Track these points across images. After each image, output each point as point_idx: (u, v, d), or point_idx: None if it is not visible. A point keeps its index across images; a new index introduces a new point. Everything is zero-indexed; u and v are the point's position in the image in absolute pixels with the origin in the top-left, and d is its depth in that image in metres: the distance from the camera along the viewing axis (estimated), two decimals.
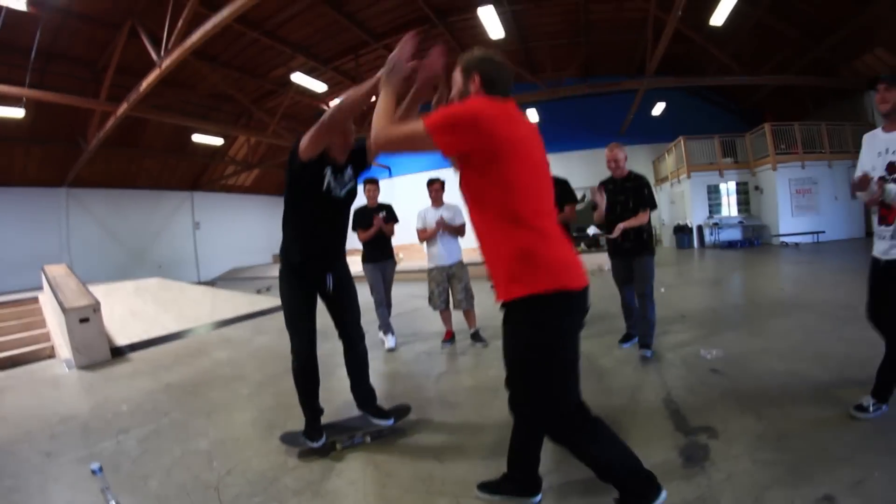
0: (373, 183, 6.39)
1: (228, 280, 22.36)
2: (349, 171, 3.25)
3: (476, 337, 5.96)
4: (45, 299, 9.36)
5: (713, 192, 18.59)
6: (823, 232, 15.77)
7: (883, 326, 3.11)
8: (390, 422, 3.47)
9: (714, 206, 18.63)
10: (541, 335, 1.96)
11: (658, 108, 20.05)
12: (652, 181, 20.87)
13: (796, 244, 15.54)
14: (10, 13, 10.39)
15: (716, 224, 17.81)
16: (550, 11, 15.49)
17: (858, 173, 3.08)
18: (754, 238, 17.39)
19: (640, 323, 5.13)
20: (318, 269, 3.28)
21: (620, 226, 4.86)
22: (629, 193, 5.04)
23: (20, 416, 4.93)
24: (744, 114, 21.13)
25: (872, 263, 3.19)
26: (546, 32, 16.50)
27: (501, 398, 3.74)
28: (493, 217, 2.00)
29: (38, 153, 17.64)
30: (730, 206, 18.64)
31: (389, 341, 6.21)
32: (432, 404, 4.18)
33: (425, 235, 5.89)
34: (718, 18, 12.47)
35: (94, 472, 2.88)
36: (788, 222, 16.10)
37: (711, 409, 3.42)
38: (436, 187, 6.00)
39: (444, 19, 15.13)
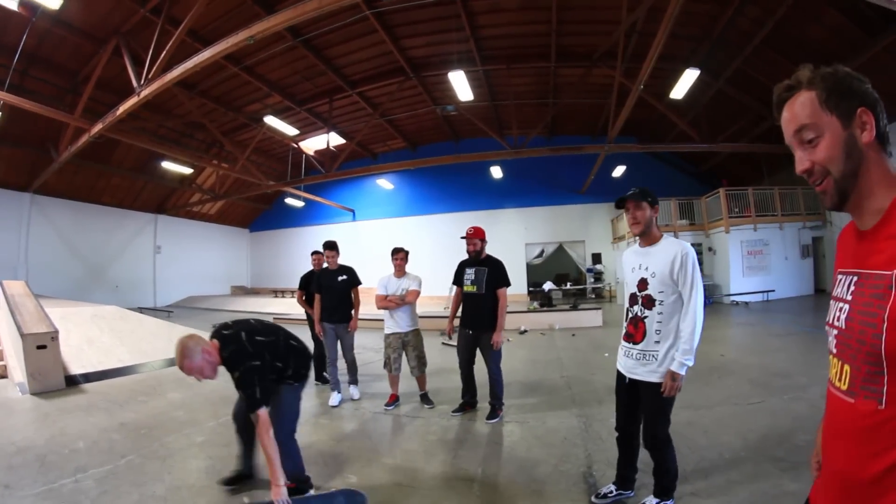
0: (332, 248, 6.64)
1: (185, 308, 22.22)
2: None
3: (425, 399, 6.17)
4: (0, 315, 9.28)
5: None
6: (773, 290, 16.40)
7: (630, 440, 3.29)
8: None
9: None
10: None
11: (619, 171, 20.85)
12: (610, 239, 21.54)
13: (746, 303, 16.10)
14: (1, 9, 10.35)
15: None
16: (522, 73, 16.14)
17: (624, 286, 3.30)
18: (707, 297, 17.78)
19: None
20: None
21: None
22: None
23: None
24: (701, 176, 22.08)
25: (619, 378, 3.29)
26: (515, 93, 17.06)
27: (436, 461, 4.27)
28: None
29: (5, 153, 17.44)
30: None
31: (334, 398, 6.36)
32: (371, 464, 4.35)
33: (383, 304, 6.04)
34: (678, 93, 13.29)
35: None
36: (739, 282, 16.68)
37: None
38: (399, 257, 6.16)
39: (418, 73, 15.70)
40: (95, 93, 13.38)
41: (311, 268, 7.76)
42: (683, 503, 3.25)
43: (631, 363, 3.11)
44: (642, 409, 3.13)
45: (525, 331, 12.38)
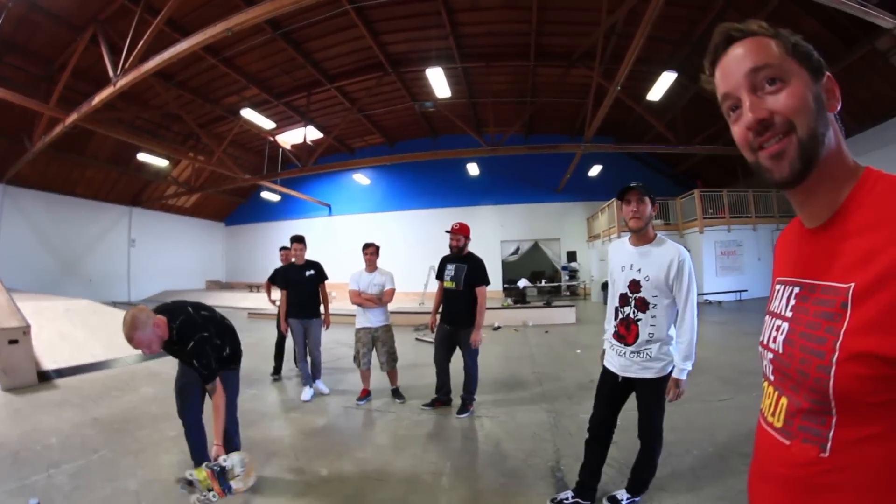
0: (299, 241, 6.65)
1: (159, 302, 21.46)
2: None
3: (396, 394, 6.22)
4: None
5: None
6: (746, 290, 16.60)
7: (602, 443, 3.26)
8: None
9: None
10: None
11: (595, 170, 21.06)
12: (585, 238, 21.69)
13: (719, 302, 16.32)
14: None
15: None
16: (501, 72, 16.24)
17: (610, 282, 3.26)
18: None
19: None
20: None
21: None
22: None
23: None
24: (677, 178, 22.34)
25: (607, 376, 3.20)
26: (493, 91, 17.16)
27: (405, 455, 4.35)
28: None
29: None
30: None
31: (305, 393, 6.39)
32: (341, 458, 4.42)
33: (357, 300, 6.07)
34: (655, 94, 13.50)
35: None
36: (713, 281, 16.86)
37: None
38: (370, 251, 6.18)
39: (397, 69, 15.70)
40: (71, 82, 13.21)
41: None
42: (652, 499, 3.33)
43: (624, 362, 3.05)
44: (640, 404, 3.12)
45: (498, 327, 12.47)
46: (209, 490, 3.31)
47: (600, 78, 13.23)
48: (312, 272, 6.59)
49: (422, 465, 4.19)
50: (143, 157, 19.39)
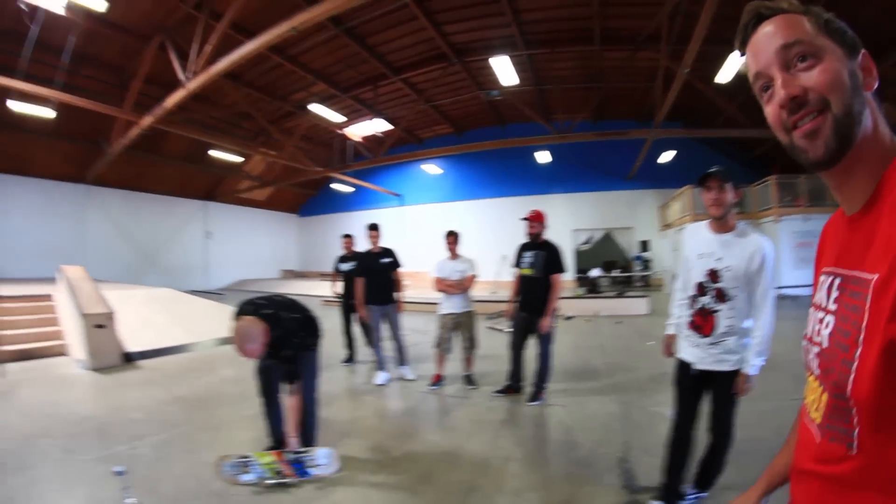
0: (374, 229, 6.80)
1: (235, 291, 22.68)
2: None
3: (469, 380, 6.28)
4: (60, 297, 9.74)
5: None
6: None
7: (688, 443, 3.08)
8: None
9: None
10: None
11: (666, 157, 20.26)
12: (657, 227, 21.05)
13: (794, 297, 15.70)
14: (49, 14, 10.83)
15: None
16: (565, 57, 15.86)
17: (682, 268, 3.08)
18: None
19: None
20: None
21: None
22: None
23: (39, 411, 5.34)
24: (752, 164, 21.21)
25: (682, 369, 3.05)
26: (560, 77, 16.88)
27: (477, 439, 4.40)
28: None
29: (61, 148, 18.22)
30: None
31: (379, 377, 6.53)
32: (412, 440, 4.52)
33: (442, 286, 6.20)
34: (725, 76, 12.93)
35: (117, 472, 3.29)
36: (790, 274, 16.01)
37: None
38: (451, 240, 6.31)
39: (461, 58, 15.59)
40: (143, 87, 13.76)
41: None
42: (717, 496, 3.20)
43: (700, 353, 2.90)
44: (713, 397, 2.94)
45: (571, 317, 12.31)
46: (276, 472, 3.53)
47: (667, 60, 12.80)
48: (389, 259, 6.70)
49: (492, 450, 4.21)
50: (216, 153, 20.18)
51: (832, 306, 0.87)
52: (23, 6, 10.33)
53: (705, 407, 3.01)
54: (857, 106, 0.80)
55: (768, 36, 0.86)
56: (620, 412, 5.09)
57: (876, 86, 0.84)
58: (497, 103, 19.93)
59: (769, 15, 0.87)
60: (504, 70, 12.65)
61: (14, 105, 12.98)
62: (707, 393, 2.98)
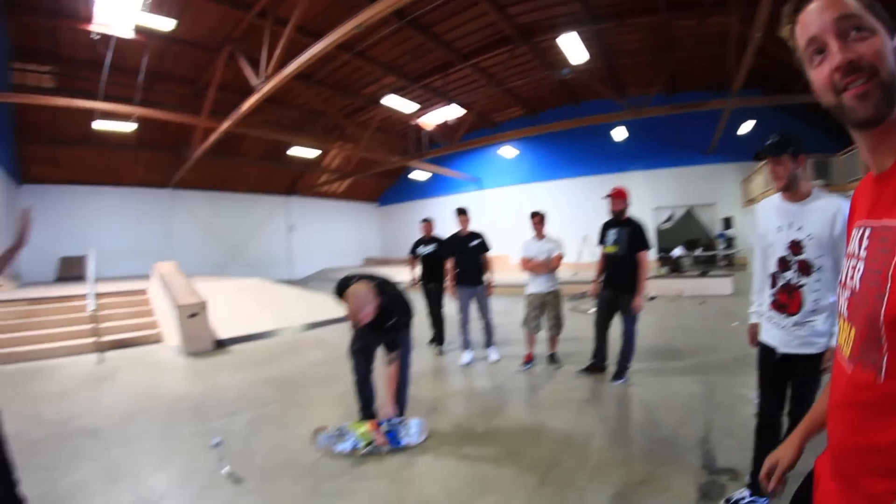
0: (463, 213, 6.94)
1: (319, 280, 23.43)
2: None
3: (553, 359, 6.36)
4: (154, 291, 10.47)
5: None
6: None
7: (774, 431, 2.87)
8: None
9: None
10: None
11: (746, 127, 19.21)
12: (740, 202, 20.15)
13: None
14: (120, 40, 11.84)
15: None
16: (633, 29, 15.37)
17: (759, 248, 2.92)
18: None
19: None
20: None
21: None
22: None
23: (138, 392, 5.81)
24: (838, 131, 19.89)
25: (765, 353, 2.87)
26: (629, 51, 16.39)
27: (560, 417, 4.46)
28: None
29: (145, 158, 19.88)
30: None
31: (464, 357, 6.72)
32: (498, 416, 4.65)
33: (528, 266, 6.24)
34: None
35: (214, 444, 3.53)
36: None
37: (743, 453, 3.27)
38: (536, 220, 6.32)
39: (527, 39, 15.35)
40: (217, 95, 14.38)
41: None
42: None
43: (784, 336, 2.70)
44: (797, 380, 2.73)
45: (653, 297, 12.10)
46: (369, 442, 3.73)
47: (739, 24, 12.09)
48: (478, 242, 6.82)
49: (575, 427, 4.25)
50: (294, 150, 20.94)
51: (863, 253, 0.98)
52: (95, 36, 11.26)
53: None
54: None
55: (823, 7, 0.97)
56: (703, 393, 5.03)
57: None
58: (568, 82, 19.50)
59: None
60: (573, 47, 12.43)
61: (99, 124, 14.16)
62: (790, 376, 2.79)
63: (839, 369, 1.03)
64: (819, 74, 0.98)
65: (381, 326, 3.92)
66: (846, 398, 0.98)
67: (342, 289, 3.88)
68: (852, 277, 1.00)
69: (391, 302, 3.95)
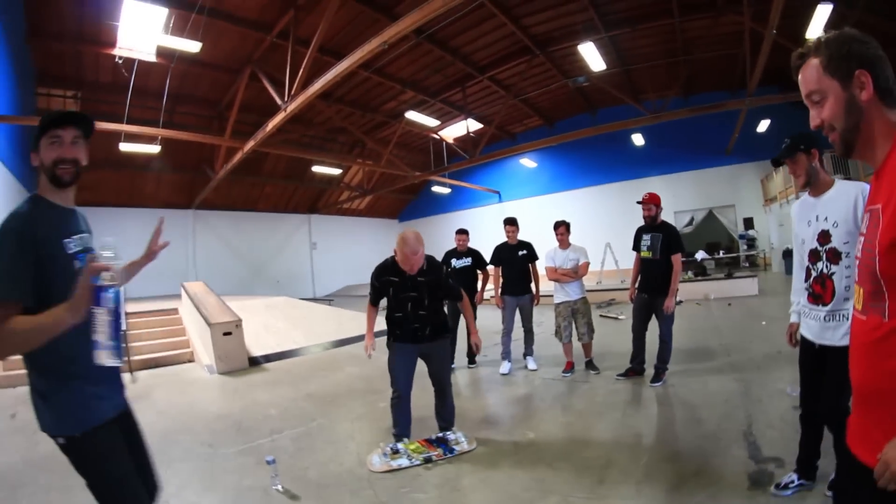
0: (512, 224, 7.04)
1: (343, 296, 23.67)
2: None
3: (590, 365, 6.41)
4: (184, 311, 10.63)
5: None
6: None
7: (816, 420, 2.90)
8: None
9: None
10: None
11: (763, 125, 18.98)
12: (761, 202, 19.97)
13: None
14: (142, 63, 12.06)
15: None
16: (647, 33, 15.33)
17: (795, 247, 3.02)
18: None
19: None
20: None
21: None
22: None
23: (176, 411, 5.87)
24: None
25: (805, 347, 2.91)
26: (644, 55, 16.41)
27: (606, 420, 4.58)
28: None
29: (168, 180, 20.26)
30: None
31: (504, 367, 6.75)
32: (545, 422, 4.75)
33: (554, 276, 6.32)
34: (814, 32, 12.00)
35: (268, 462, 3.59)
36: None
37: (785, 443, 3.47)
38: (561, 230, 6.42)
39: (543, 49, 15.44)
40: (240, 115, 14.67)
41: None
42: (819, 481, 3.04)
43: (819, 328, 2.73)
44: (829, 374, 2.69)
45: (680, 301, 12.02)
46: (424, 458, 3.85)
47: (752, 22, 12.07)
48: (525, 252, 6.89)
49: (622, 429, 4.36)
50: (315, 169, 21.33)
51: (864, 230, 1.30)
52: (118, 60, 11.47)
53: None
54: (850, 123, 1.27)
55: (800, 86, 1.38)
56: (740, 390, 5.11)
57: (871, 93, 1.22)
58: (585, 89, 19.43)
59: (800, 65, 1.39)
60: (590, 55, 12.53)
61: (124, 146, 14.35)
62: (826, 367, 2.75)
63: (857, 322, 1.32)
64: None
65: (434, 294, 4.14)
66: (860, 342, 1.29)
67: (382, 268, 4.11)
68: (860, 250, 1.30)
69: (436, 278, 4.12)
